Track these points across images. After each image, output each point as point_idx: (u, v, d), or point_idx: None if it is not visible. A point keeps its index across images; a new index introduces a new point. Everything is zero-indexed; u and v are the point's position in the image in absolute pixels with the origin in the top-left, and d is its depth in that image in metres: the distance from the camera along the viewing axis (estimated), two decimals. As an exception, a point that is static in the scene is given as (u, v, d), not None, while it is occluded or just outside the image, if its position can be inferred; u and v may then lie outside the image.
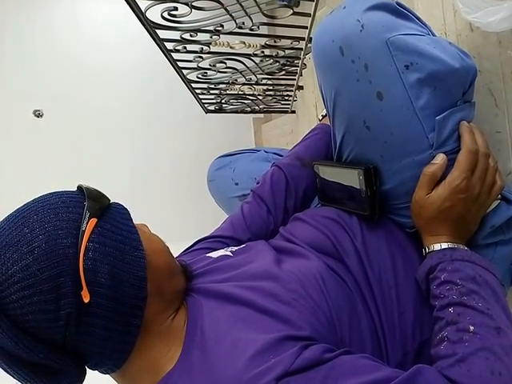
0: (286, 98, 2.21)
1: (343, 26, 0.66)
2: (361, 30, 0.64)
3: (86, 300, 0.54)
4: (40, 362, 0.54)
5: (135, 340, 0.60)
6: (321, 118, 1.07)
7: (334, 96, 0.73)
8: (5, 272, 0.52)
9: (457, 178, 0.66)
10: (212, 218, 1.38)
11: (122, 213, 0.64)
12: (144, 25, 1.25)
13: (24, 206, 0.60)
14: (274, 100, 2.21)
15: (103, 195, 0.64)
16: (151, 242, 0.65)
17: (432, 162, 0.67)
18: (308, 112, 2.01)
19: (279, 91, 2.12)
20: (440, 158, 0.66)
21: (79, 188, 0.64)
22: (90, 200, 0.60)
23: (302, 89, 2.07)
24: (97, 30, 3.21)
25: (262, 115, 3.36)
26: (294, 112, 2.41)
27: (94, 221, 0.58)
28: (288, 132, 2.77)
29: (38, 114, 3.03)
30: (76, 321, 0.54)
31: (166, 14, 1.25)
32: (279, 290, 0.65)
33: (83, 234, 0.56)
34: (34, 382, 0.56)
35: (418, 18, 0.69)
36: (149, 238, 0.66)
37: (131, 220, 0.64)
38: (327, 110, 0.79)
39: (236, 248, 0.83)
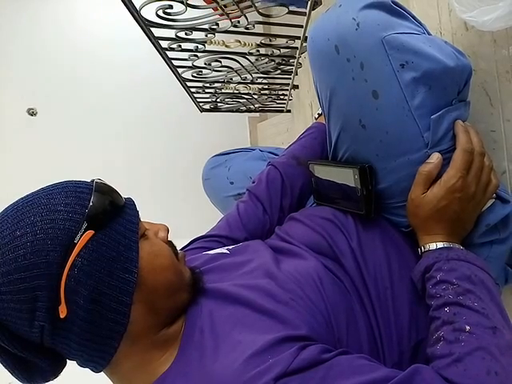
0: (282, 97, 2.21)
1: (339, 25, 0.66)
2: (356, 29, 0.64)
3: (63, 316, 0.54)
4: (17, 353, 0.55)
5: (115, 351, 0.58)
6: (316, 116, 1.07)
7: (329, 95, 0.72)
8: None
9: (452, 177, 0.66)
10: (207, 216, 1.38)
11: (128, 220, 0.60)
12: (139, 23, 1.24)
13: (31, 197, 0.58)
14: (270, 99, 2.21)
15: (114, 198, 0.60)
16: (155, 258, 0.61)
17: (427, 161, 0.67)
18: (303, 111, 2.01)
19: (274, 90, 2.12)
20: (435, 157, 0.66)
21: (92, 184, 0.60)
22: (93, 206, 0.57)
23: (298, 88, 2.07)
24: (92, 29, 3.19)
25: (257, 114, 3.35)
26: (289, 111, 2.41)
27: (89, 234, 0.55)
28: (283, 131, 2.77)
29: (31, 113, 3.01)
30: (50, 332, 0.54)
31: (160, 12, 1.24)
32: (277, 290, 0.65)
33: (74, 248, 0.54)
34: (10, 369, 0.57)
35: (414, 17, 0.69)
36: (155, 252, 0.62)
37: (136, 232, 0.60)
38: (322, 109, 0.79)
39: (233, 246, 0.83)
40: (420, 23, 0.70)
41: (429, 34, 0.70)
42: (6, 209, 0.58)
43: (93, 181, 0.61)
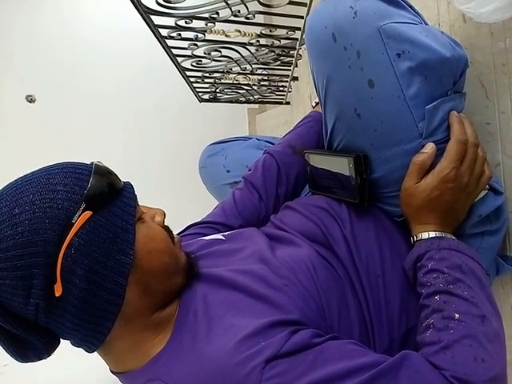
0: (281, 88, 2.20)
1: (336, 13, 0.66)
2: (353, 17, 0.64)
3: (58, 294, 0.54)
4: (11, 330, 0.56)
5: (109, 331, 0.59)
6: (314, 105, 1.07)
7: (325, 83, 0.73)
8: None
9: (446, 167, 0.66)
10: (204, 205, 1.38)
11: (126, 203, 0.61)
12: (138, 10, 1.24)
13: (30, 176, 0.58)
14: (269, 90, 2.20)
15: (113, 181, 0.61)
16: (151, 241, 0.62)
17: (421, 151, 0.67)
18: (302, 103, 2.00)
19: (274, 82, 2.11)
20: (429, 147, 0.67)
21: (91, 166, 0.61)
22: (92, 187, 0.57)
23: (297, 80, 2.06)
24: (92, 16, 3.16)
25: (256, 106, 3.34)
26: (288, 103, 2.40)
27: (87, 214, 0.56)
28: (282, 123, 2.76)
29: (30, 100, 3.00)
30: (45, 309, 0.55)
31: (160, 0, 1.23)
32: (271, 276, 0.66)
33: (71, 227, 0.54)
34: (4, 345, 0.58)
35: (411, 7, 0.69)
36: (151, 235, 0.62)
37: (133, 215, 0.60)
38: (319, 97, 0.80)
39: (228, 232, 0.84)
40: (417, 13, 0.70)
41: (426, 24, 0.70)
42: (5, 187, 0.58)
43: (92, 163, 0.62)
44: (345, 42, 0.66)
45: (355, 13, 0.64)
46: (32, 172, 0.59)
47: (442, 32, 0.68)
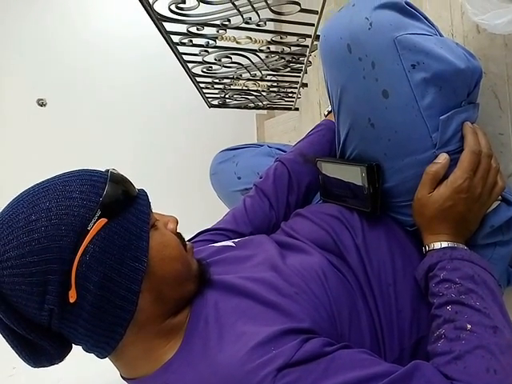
0: (290, 94, 2.21)
1: (352, 24, 0.67)
2: (369, 28, 0.65)
3: (72, 300, 0.55)
4: (24, 335, 0.56)
5: (121, 338, 0.59)
6: (326, 113, 1.07)
7: (339, 92, 0.73)
8: (2, 253, 0.54)
9: (459, 177, 0.66)
10: (214, 211, 1.38)
11: (140, 211, 0.61)
12: (151, 17, 1.25)
13: (47, 183, 0.59)
14: (278, 97, 2.20)
15: (128, 188, 0.61)
16: (164, 248, 0.62)
17: (435, 161, 0.67)
18: (311, 110, 2.01)
19: (283, 88, 2.11)
20: (443, 158, 0.67)
21: (107, 174, 0.61)
22: (107, 194, 0.58)
23: (307, 86, 2.07)
24: (104, 21, 3.18)
25: (265, 111, 3.35)
26: (297, 109, 2.40)
27: (102, 221, 0.56)
28: (291, 129, 2.77)
29: (41, 103, 3.02)
30: (59, 315, 0.55)
31: (173, 7, 1.24)
32: (282, 284, 0.66)
33: (87, 234, 0.55)
34: (17, 350, 0.59)
35: (426, 18, 0.70)
36: (164, 242, 0.63)
37: (147, 222, 0.61)
38: (332, 107, 0.80)
39: (238, 239, 0.84)
40: (432, 24, 0.70)
41: (440, 35, 0.71)
42: (22, 193, 0.59)
43: (107, 170, 0.62)
44: (360, 53, 0.66)
45: (371, 24, 0.65)
46: (48, 179, 0.60)
47: (457, 43, 0.68)
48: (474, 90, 0.69)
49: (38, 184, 0.60)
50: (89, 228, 0.55)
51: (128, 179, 0.63)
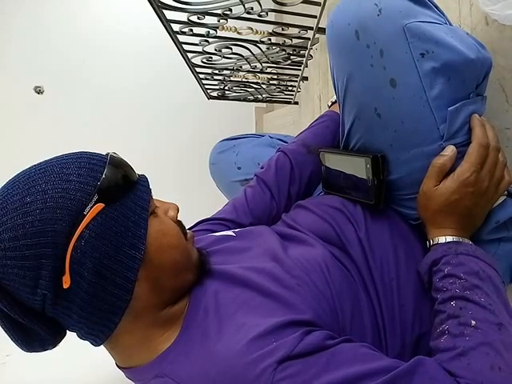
0: (290, 88, 2.20)
1: (360, 10, 0.65)
2: (378, 15, 0.63)
3: (66, 286, 0.54)
4: (17, 319, 0.55)
5: (116, 326, 0.58)
6: (330, 104, 1.05)
7: (345, 81, 0.71)
8: None
9: (466, 170, 0.65)
10: (213, 202, 1.37)
11: (139, 197, 0.59)
12: (152, 4, 1.23)
13: (44, 164, 0.57)
14: (278, 90, 2.19)
15: (128, 173, 0.59)
16: (163, 236, 0.61)
17: (441, 153, 0.66)
18: (311, 104, 1.99)
19: (283, 81, 2.10)
20: (450, 150, 0.65)
21: (106, 157, 0.59)
22: (106, 179, 0.56)
23: (307, 80, 2.05)
24: (103, 10, 3.15)
25: (264, 104, 3.34)
26: (296, 103, 2.39)
27: (99, 206, 0.55)
28: (290, 123, 2.75)
29: (38, 91, 2.99)
30: (52, 301, 0.54)
31: (174, -5, 1.23)
32: (283, 275, 0.65)
33: (83, 219, 0.53)
34: (10, 334, 0.58)
35: (437, 7, 0.68)
36: (163, 230, 0.61)
37: (147, 209, 0.59)
38: (338, 95, 0.78)
39: (239, 229, 0.83)
40: (442, 13, 0.69)
41: (450, 24, 0.69)
42: (18, 174, 0.57)
43: (108, 153, 0.61)
44: (368, 40, 0.64)
45: (380, 10, 0.63)
46: (45, 160, 0.58)
47: (468, 33, 0.67)
48: (483, 82, 0.68)
49: (35, 165, 0.58)
50: (85, 213, 0.54)
51: (128, 163, 0.61)
